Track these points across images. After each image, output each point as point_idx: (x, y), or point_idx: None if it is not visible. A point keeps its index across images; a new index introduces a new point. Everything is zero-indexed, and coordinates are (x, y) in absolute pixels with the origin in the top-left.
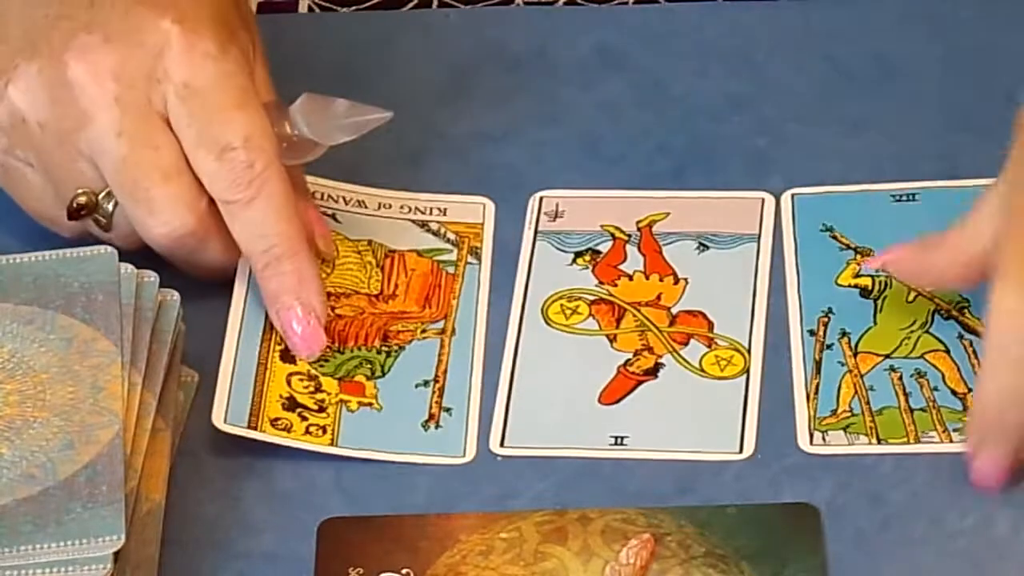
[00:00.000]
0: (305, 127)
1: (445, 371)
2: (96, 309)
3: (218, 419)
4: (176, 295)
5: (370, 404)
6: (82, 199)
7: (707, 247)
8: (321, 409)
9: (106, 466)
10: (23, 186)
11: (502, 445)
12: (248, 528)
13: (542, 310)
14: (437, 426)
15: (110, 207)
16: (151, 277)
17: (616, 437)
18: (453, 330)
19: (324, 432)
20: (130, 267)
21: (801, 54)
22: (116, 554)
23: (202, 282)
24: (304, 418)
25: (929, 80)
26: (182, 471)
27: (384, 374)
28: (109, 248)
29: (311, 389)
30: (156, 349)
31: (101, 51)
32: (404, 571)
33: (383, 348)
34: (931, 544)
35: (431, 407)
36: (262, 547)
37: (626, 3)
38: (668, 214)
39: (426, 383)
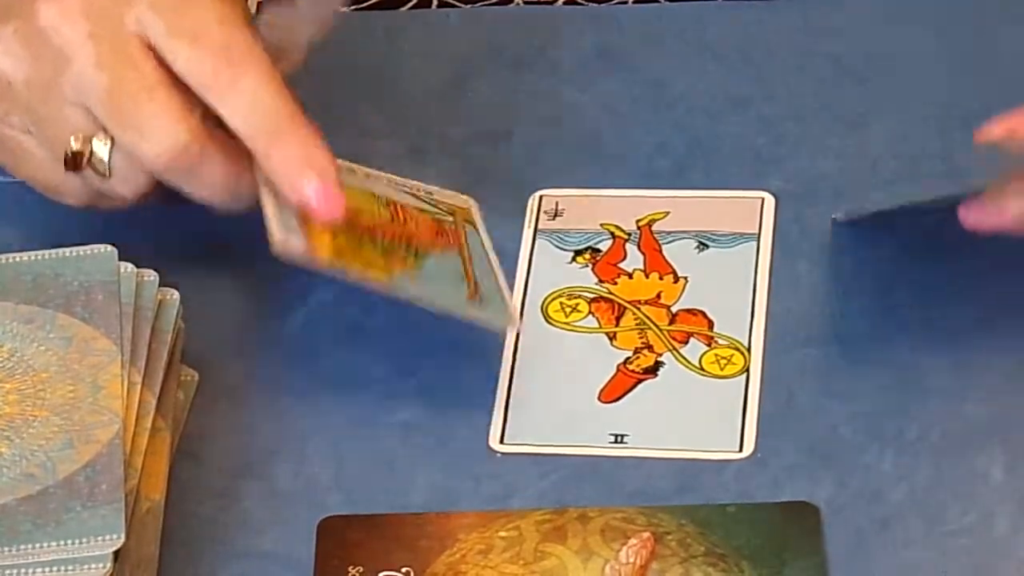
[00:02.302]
0: (271, 31)
1: (471, 269)
2: (96, 308)
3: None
4: (176, 294)
5: (416, 271)
6: (75, 145)
7: (707, 246)
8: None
9: (106, 465)
10: (22, 156)
11: (502, 442)
12: (248, 527)
13: (542, 308)
14: (480, 300)
15: (105, 148)
16: (151, 276)
17: (616, 435)
18: (468, 256)
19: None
20: (130, 266)
21: (801, 54)
22: (116, 553)
23: (202, 280)
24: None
25: (929, 79)
26: (182, 470)
27: (417, 266)
28: (109, 247)
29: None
30: (156, 348)
31: None
32: (404, 570)
33: (409, 248)
34: (931, 543)
35: (468, 286)
36: (262, 546)
37: (626, 3)
38: (668, 213)
39: (457, 273)
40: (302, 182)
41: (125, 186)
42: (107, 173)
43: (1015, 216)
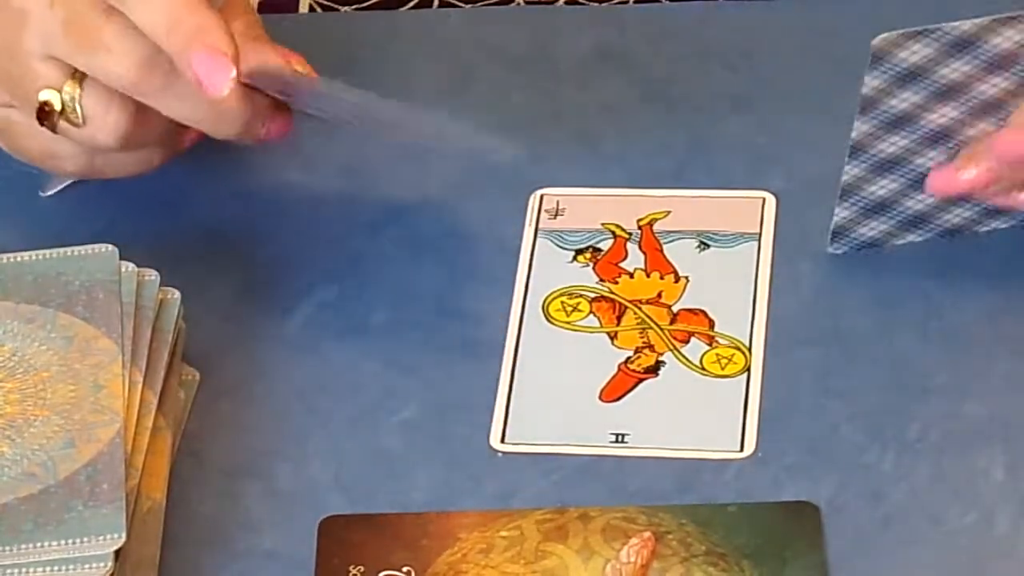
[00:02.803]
0: None
1: None
2: (97, 307)
3: None
4: (177, 293)
5: None
6: (44, 95)
7: (708, 245)
8: None
9: (107, 465)
10: (12, 130)
11: (503, 442)
12: (249, 526)
13: (543, 307)
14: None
15: (75, 94)
16: (152, 275)
17: (617, 435)
18: None
19: None
20: (131, 265)
21: (801, 53)
22: (117, 552)
23: (203, 280)
24: None
25: None
26: (183, 469)
27: None
28: (110, 247)
29: None
30: (157, 347)
31: None
32: (405, 569)
33: None
34: (931, 542)
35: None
36: (263, 545)
37: (626, 3)
38: (669, 212)
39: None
40: (188, 56)
41: (105, 131)
42: (81, 120)
43: (978, 181)
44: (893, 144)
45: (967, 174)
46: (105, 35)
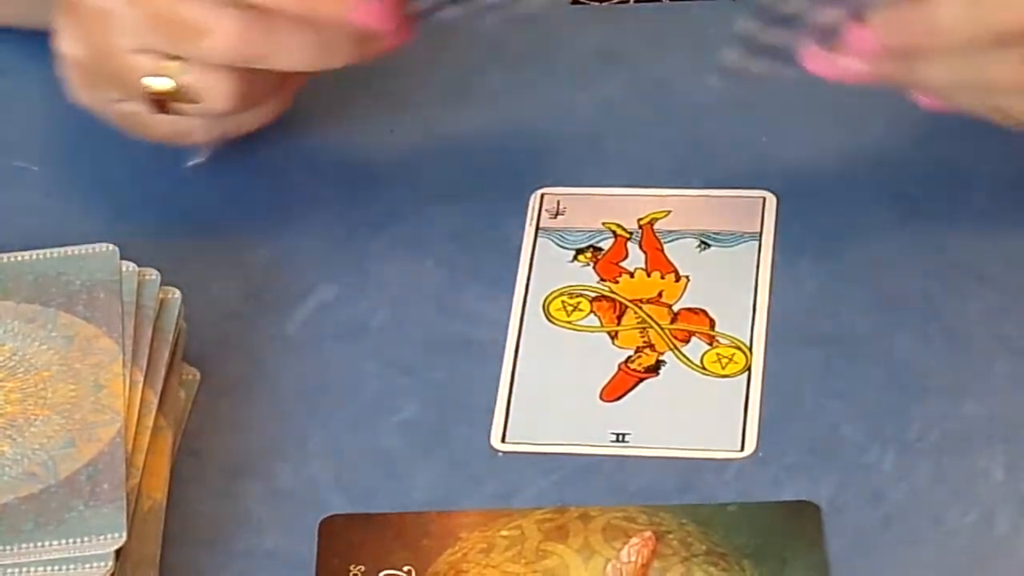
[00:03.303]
0: None
1: None
2: (97, 307)
3: None
4: (177, 293)
5: None
6: (150, 84)
7: (708, 245)
8: None
9: (107, 464)
10: (140, 122)
11: (503, 441)
12: (249, 526)
13: (543, 307)
14: None
15: (179, 76)
16: (152, 275)
17: (617, 434)
18: None
19: None
20: (132, 265)
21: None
22: (117, 552)
23: (203, 280)
24: None
25: None
26: (183, 469)
27: None
28: (111, 246)
29: None
30: (157, 347)
31: None
32: (406, 569)
33: None
34: (931, 542)
35: None
36: (263, 545)
37: (626, 3)
38: (669, 212)
39: None
40: (336, 11)
41: (219, 100)
42: (195, 96)
43: (851, 68)
44: None
45: (841, 62)
46: (194, 21)
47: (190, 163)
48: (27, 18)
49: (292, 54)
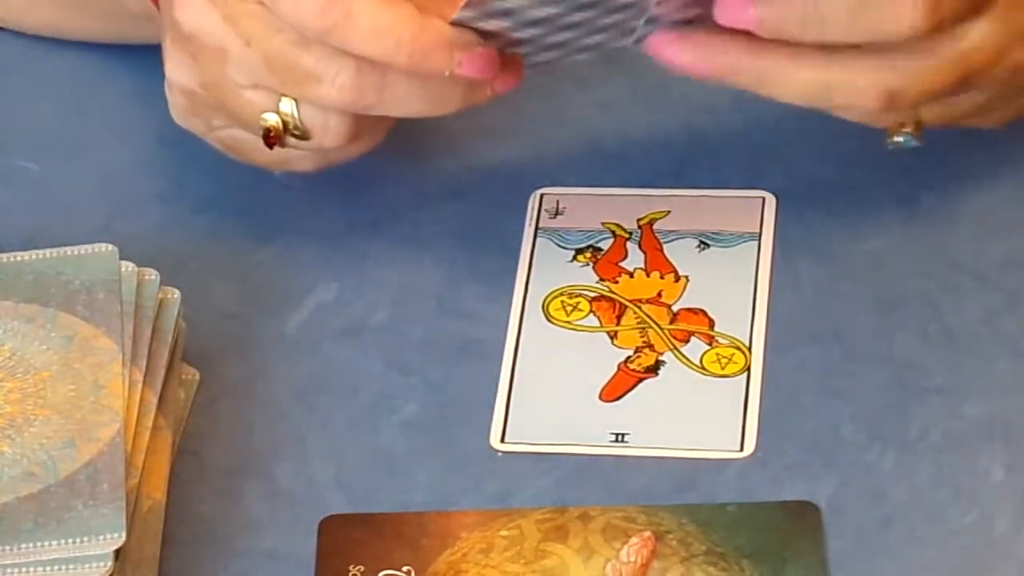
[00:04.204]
0: None
1: None
2: (97, 307)
3: None
4: (177, 293)
5: None
6: (267, 122)
7: (708, 245)
8: None
9: (107, 464)
10: (243, 148)
11: (502, 441)
12: (249, 526)
13: (543, 307)
14: None
15: (293, 113)
16: (152, 275)
17: (617, 434)
18: None
19: None
20: (131, 265)
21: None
22: (117, 552)
23: (203, 280)
24: None
25: None
26: (183, 469)
27: None
28: (110, 246)
29: None
30: (157, 347)
31: None
32: (405, 569)
33: None
34: (931, 542)
35: None
36: (263, 545)
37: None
38: (669, 212)
39: None
40: (444, 65)
41: (330, 137)
42: (307, 134)
43: (762, 18)
44: None
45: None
46: (305, 66)
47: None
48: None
49: (402, 103)
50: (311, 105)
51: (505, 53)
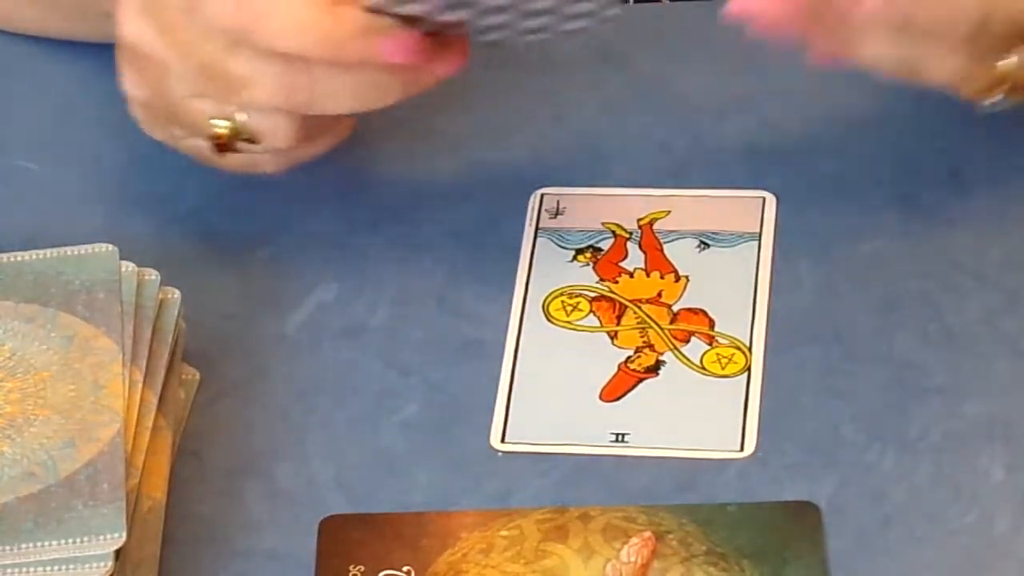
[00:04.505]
0: None
1: None
2: (97, 307)
3: None
4: (177, 293)
5: None
6: (216, 128)
7: (708, 245)
8: None
9: (107, 464)
10: (207, 155)
11: (503, 442)
12: (249, 526)
13: (543, 307)
14: None
15: (240, 119)
16: (152, 275)
17: (617, 434)
18: None
19: None
20: (131, 265)
21: (801, 53)
22: (117, 552)
23: (203, 280)
24: None
25: None
26: (183, 469)
27: None
28: (110, 246)
29: None
30: (157, 347)
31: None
32: (405, 569)
33: None
34: (931, 542)
35: None
36: (263, 545)
37: (626, 3)
38: (669, 212)
39: None
40: (363, 53)
41: (279, 139)
42: (255, 138)
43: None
44: None
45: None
46: (239, 72)
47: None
48: (44, 26)
49: (336, 98)
50: (252, 110)
51: (447, 34)
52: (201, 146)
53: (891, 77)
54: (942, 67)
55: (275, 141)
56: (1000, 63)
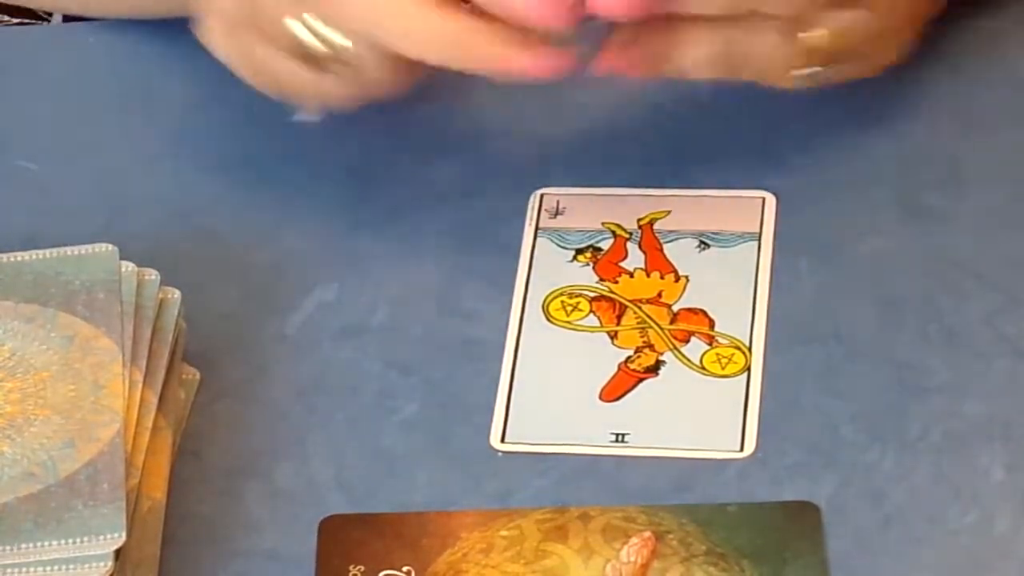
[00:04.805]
0: None
1: None
2: (97, 307)
3: None
4: (177, 293)
5: None
6: (302, 38)
7: (708, 245)
8: None
9: (107, 464)
10: (274, 74)
11: (502, 441)
12: (249, 526)
13: (543, 307)
14: None
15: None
16: (152, 275)
17: (617, 434)
18: None
19: None
20: (131, 265)
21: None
22: (117, 552)
23: (203, 280)
24: None
25: (932, 79)
26: (183, 469)
27: None
28: (110, 246)
29: None
30: (157, 347)
31: None
32: (405, 569)
33: None
34: (931, 542)
35: None
36: (263, 545)
37: None
38: (669, 212)
39: None
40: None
41: (374, 65)
42: (350, 60)
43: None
44: None
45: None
46: None
47: (299, 118)
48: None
49: (423, 46)
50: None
51: None
52: (275, 65)
53: (711, 80)
54: (761, 52)
55: (368, 69)
56: (804, 35)
